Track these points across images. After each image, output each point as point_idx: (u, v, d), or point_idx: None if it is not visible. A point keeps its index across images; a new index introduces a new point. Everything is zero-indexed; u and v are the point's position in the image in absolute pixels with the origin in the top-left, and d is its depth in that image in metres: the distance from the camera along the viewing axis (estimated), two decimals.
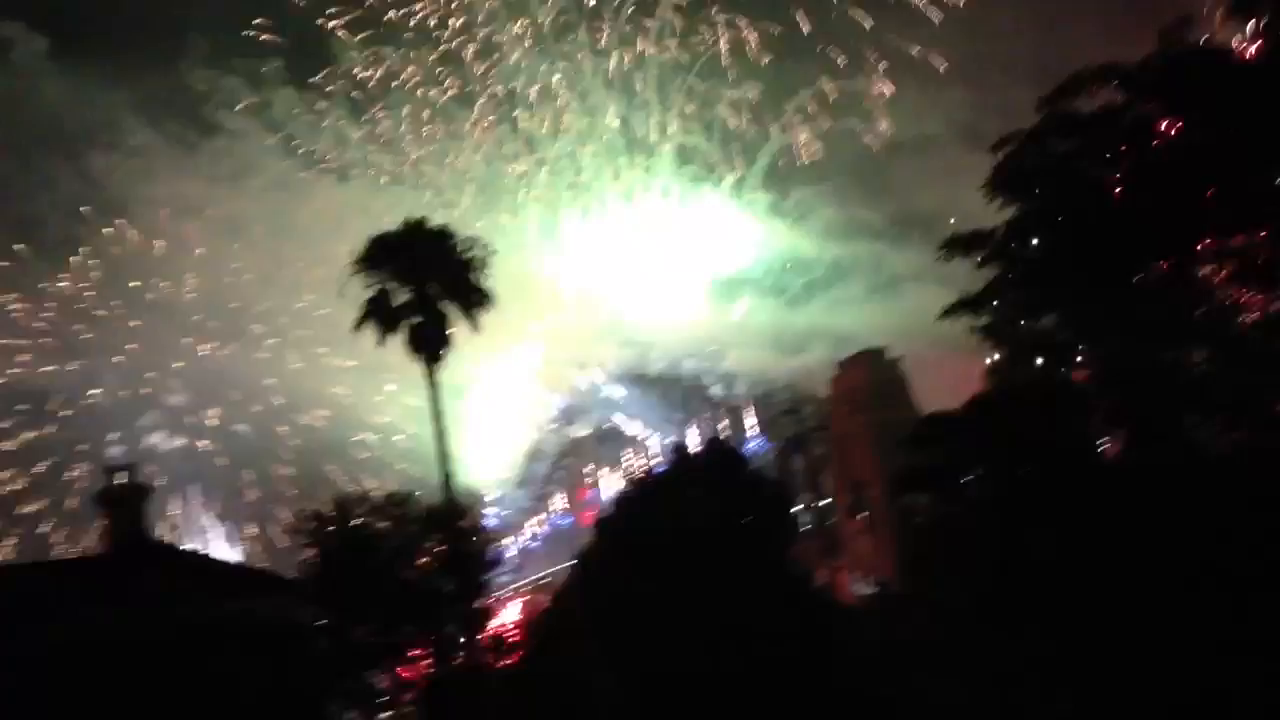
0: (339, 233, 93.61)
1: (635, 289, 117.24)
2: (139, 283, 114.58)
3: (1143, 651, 19.67)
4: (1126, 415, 22.51)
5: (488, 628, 33.34)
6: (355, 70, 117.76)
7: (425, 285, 37.45)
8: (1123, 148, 22.16)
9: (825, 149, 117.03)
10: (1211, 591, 19.34)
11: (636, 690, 30.13)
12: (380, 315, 37.33)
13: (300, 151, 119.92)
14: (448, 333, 37.34)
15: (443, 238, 38.02)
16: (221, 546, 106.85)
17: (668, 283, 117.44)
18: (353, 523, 32.49)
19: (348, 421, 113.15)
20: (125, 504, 31.93)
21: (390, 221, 38.00)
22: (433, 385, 37.39)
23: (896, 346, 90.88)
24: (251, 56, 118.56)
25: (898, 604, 33.37)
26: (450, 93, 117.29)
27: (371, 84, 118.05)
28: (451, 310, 37.57)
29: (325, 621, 30.50)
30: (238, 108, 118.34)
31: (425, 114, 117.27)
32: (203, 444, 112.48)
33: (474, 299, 37.79)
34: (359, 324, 37.56)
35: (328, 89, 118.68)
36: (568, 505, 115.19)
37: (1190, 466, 21.27)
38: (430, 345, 37.26)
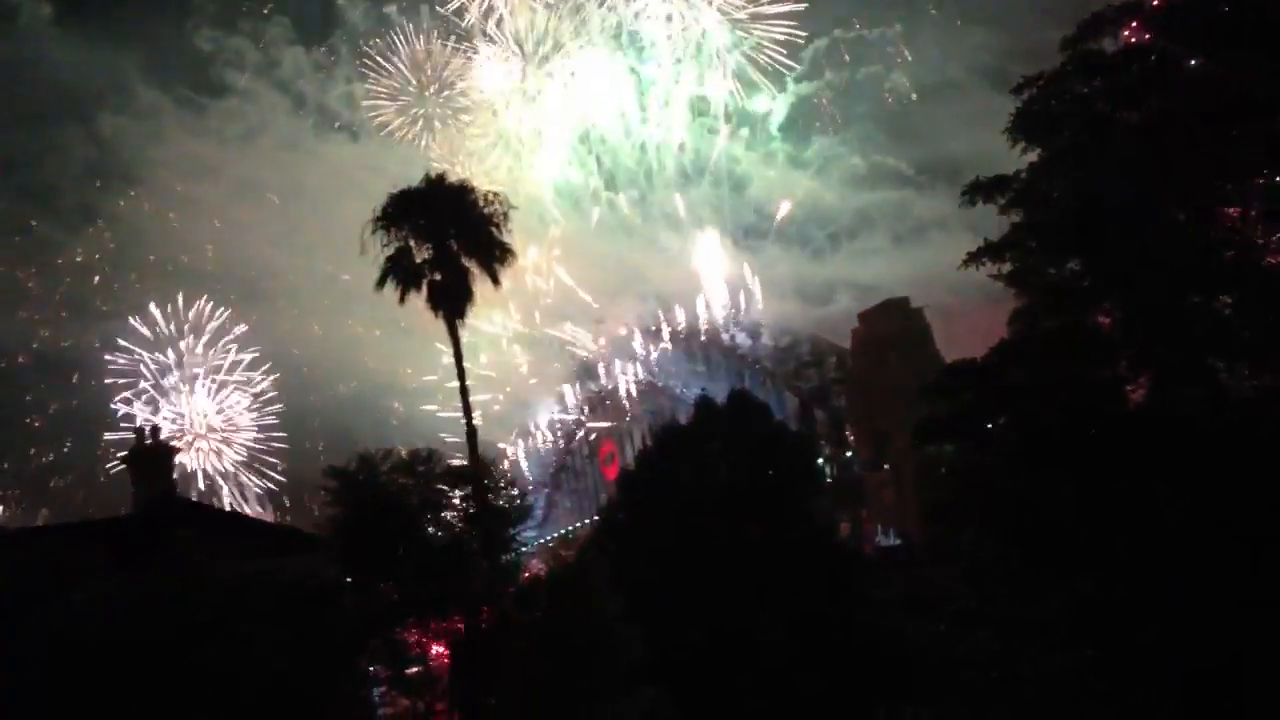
0: (353, 191, 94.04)
1: (655, 241, 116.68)
2: (154, 256, 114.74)
3: (1162, 602, 19.60)
4: (1152, 360, 22.27)
5: (515, 582, 33.50)
6: (360, 30, 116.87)
7: (446, 241, 37.43)
8: (1147, 87, 21.75)
9: (847, 97, 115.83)
10: (1230, 543, 19.22)
11: (659, 642, 30.31)
12: (401, 272, 37.34)
13: (310, 111, 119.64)
14: (469, 288, 37.36)
15: (463, 193, 37.92)
16: (254, 507, 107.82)
17: (688, 235, 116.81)
18: (378, 480, 32.61)
19: (375, 390, 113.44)
20: (152, 464, 32.30)
21: (403, 178, 37.90)
22: (455, 342, 37.47)
23: (923, 295, 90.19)
24: (257, 16, 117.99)
25: (920, 554, 33.39)
26: (456, 51, 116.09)
27: (377, 41, 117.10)
28: (472, 266, 37.56)
29: (352, 579, 30.75)
30: (245, 69, 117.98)
31: (431, 71, 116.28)
32: (230, 405, 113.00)
33: (495, 254, 37.73)
34: (380, 282, 37.57)
35: (330, 47, 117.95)
36: (589, 458, 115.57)
37: (1213, 414, 21.08)
38: (452, 301, 37.27)
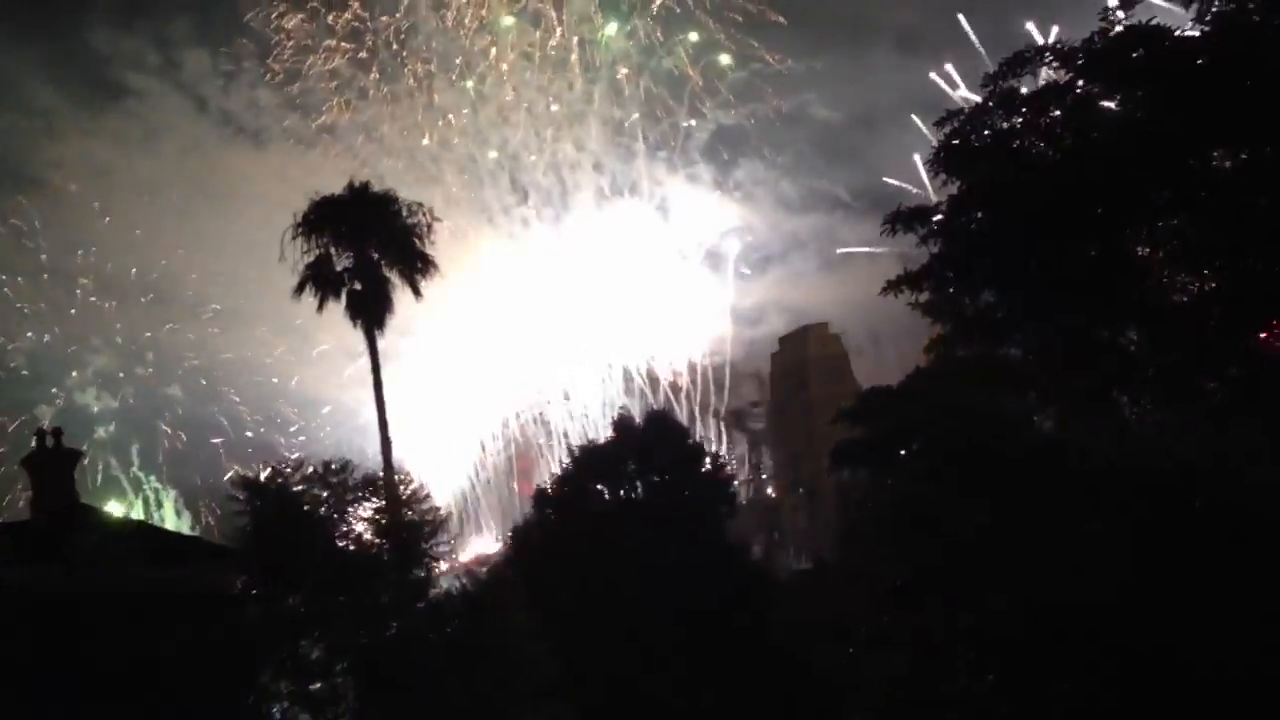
0: (259, 199, 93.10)
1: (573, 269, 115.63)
2: (45, 257, 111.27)
3: (1064, 623, 20.10)
4: (1060, 393, 22.83)
5: (426, 597, 33.11)
6: (266, 34, 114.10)
7: (367, 250, 37.12)
8: (1064, 126, 22.38)
9: (774, 126, 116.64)
10: (1131, 569, 19.78)
11: (569, 659, 30.21)
12: (320, 280, 36.92)
13: (213, 115, 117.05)
14: (389, 298, 37.07)
15: (386, 202, 37.75)
16: (170, 513, 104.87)
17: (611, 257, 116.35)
18: (288, 490, 32.05)
19: (285, 396, 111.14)
20: (53, 469, 31.25)
21: (310, 188, 37.55)
22: (373, 353, 37.13)
23: (855, 319, 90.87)
24: (157, 18, 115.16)
25: (832, 577, 33.76)
26: (364, 62, 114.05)
27: (284, 51, 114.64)
28: (394, 276, 37.28)
29: (257, 591, 30.15)
30: (145, 70, 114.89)
31: (339, 82, 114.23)
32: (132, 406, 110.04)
33: (417, 265, 37.54)
34: (299, 289, 37.16)
35: (235, 51, 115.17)
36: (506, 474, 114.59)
37: (1116, 445, 21.70)
38: (371, 311, 36.96)
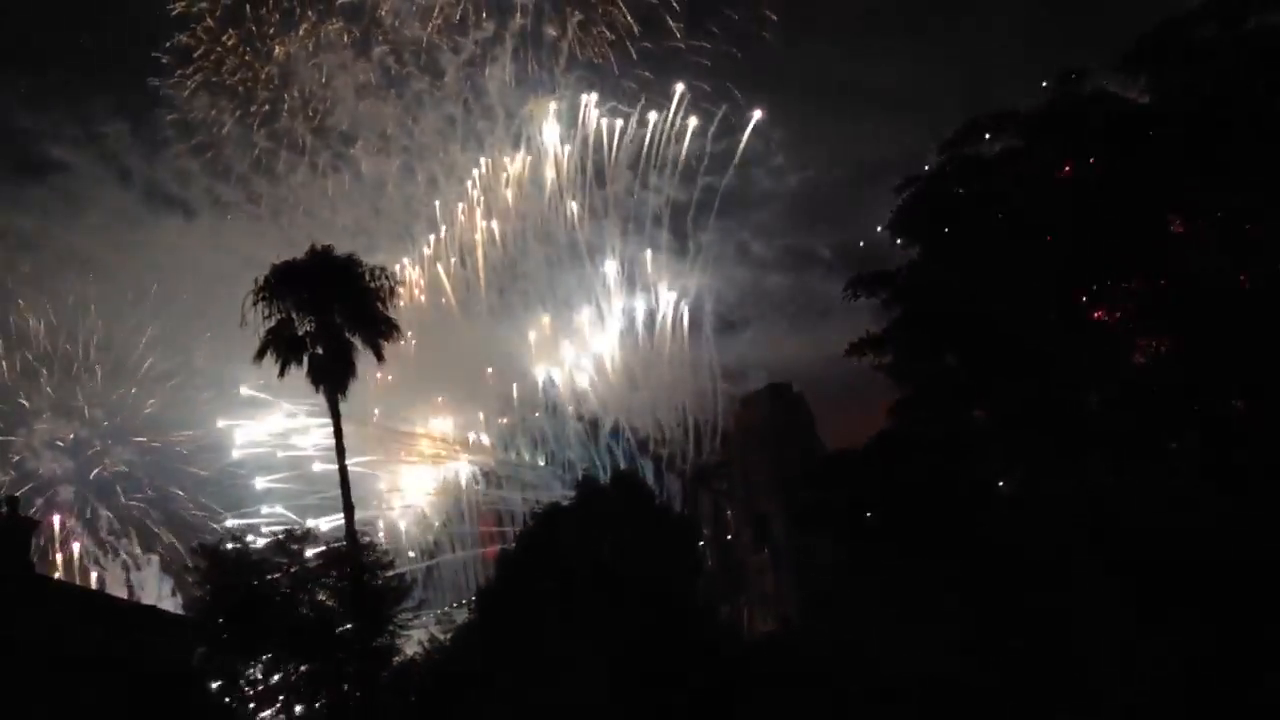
0: (190, 267, 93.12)
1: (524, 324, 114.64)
2: None
3: (1034, 682, 20.13)
4: (1023, 454, 23.01)
5: (390, 665, 32.64)
6: (186, 109, 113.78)
7: (329, 314, 36.89)
8: (1019, 191, 22.78)
9: (735, 191, 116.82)
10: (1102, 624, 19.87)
11: None
12: (282, 345, 36.61)
13: (138, 186, 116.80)
14: (352, 362, 36.84)
15: (348, 266, 37.59)
16: (149, 578, 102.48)
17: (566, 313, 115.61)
18: (249, 559, 31.65)
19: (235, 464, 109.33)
20: (5, 539, 30.65)
21: (242, 258, 37.37)
22: (335, 417, 36.78)
23: (833, 377, 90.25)
24: (74, 98, 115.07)
25: (798, 639, 33.64)
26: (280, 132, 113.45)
27: (206, 122, 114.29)
28: (356, 340, 37.07)
29: (217, 660, 29.63)
30: (67, 143, 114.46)
31: (260, 152, 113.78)
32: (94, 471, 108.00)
33: (379, 328, 37.35)
34: (260, 354, 36.81)
35: (154, 122, 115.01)
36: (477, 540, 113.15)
37: (1077, 504, 21.86)
38: (333, 376, 36.66)
